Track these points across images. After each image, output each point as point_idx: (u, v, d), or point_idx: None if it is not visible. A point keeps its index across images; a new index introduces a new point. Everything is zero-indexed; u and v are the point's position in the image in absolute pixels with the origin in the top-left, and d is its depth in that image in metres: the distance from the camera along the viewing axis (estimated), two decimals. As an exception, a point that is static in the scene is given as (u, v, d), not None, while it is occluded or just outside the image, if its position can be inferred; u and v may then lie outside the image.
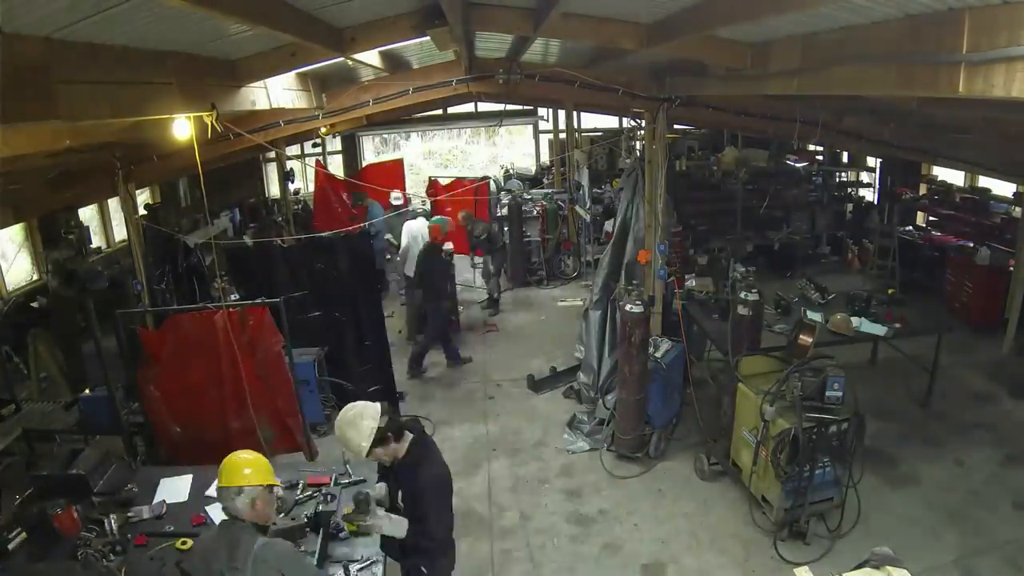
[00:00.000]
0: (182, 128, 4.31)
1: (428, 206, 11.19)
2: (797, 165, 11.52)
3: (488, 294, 10.22)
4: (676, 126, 12.16)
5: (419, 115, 14.13)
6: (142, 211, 8.66)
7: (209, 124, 4.20)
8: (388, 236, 10.52)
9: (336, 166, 15.69)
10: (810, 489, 4.65)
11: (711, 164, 11.90)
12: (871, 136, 7.55)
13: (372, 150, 19.06)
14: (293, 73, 5.42)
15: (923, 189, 11.08)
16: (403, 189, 11.47)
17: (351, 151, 16.31)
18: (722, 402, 5.66)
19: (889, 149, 8.17)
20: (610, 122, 15.18)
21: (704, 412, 6.11)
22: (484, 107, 14.30)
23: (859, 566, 3.46)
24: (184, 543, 3.47)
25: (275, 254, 6.93)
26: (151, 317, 6.08)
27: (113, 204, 10.09)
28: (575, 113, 12.59)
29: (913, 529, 5.00)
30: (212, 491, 3.98)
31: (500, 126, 16.99)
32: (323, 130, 10.37)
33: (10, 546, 3.42)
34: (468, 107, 14.40)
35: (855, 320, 6.44)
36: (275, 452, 5.05)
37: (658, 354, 6.06)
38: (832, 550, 4.76)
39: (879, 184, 12.11)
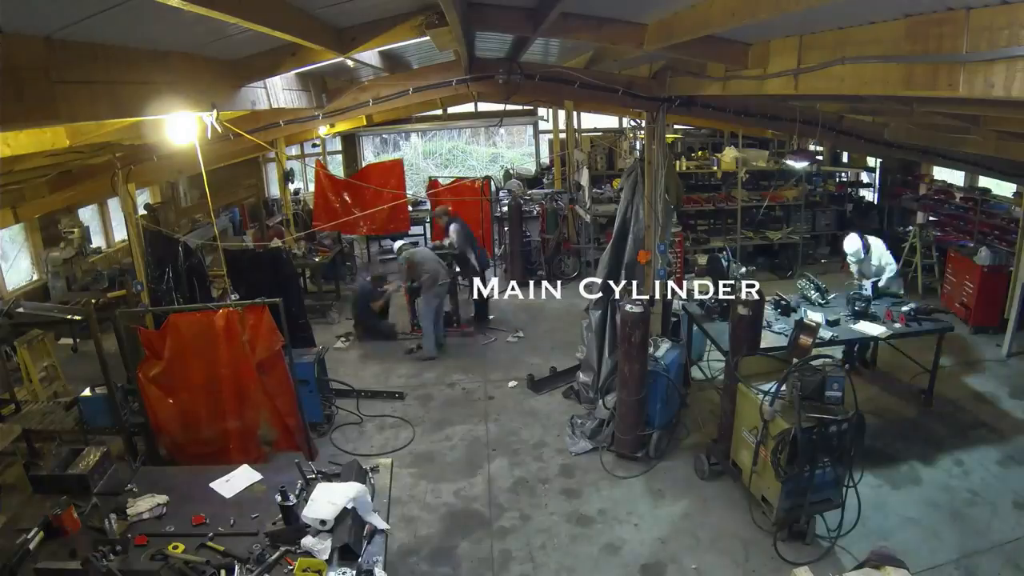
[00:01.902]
0: (182, 128, 4.31)
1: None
2: (797, 165, 11.51)
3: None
4: (676, 126, 12.17)
5: (419, 115, 14.12)
6: (142, 211, 8.67)
7: (209, 124, 4.20)
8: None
9: (336, 166, 15.69)
10: (810, 489, 4.65)
11: (711, 164, 11.91)
12: (871, 136, 7.57)
13: (372, 150, 19.06)
14: (293, 73, 5.42)
15: (923, 189, 11.08)
16: (403, 189, 11.43)
17: (351, 151, 16.31)
18: (722, 402, 5.67)
19: (889, 149, 8.17)
20: (610, 122, 15.17)
21: (704, 412, 6.12)
22: (484, 107, 14.27)
23: (859, 566, 3.47)
24: (175, 547, 3.45)
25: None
26: (151, 317, 6.09)
27: (113, 204, 10.11)
28: (575, 113, 12.60)
29: (913, 529, 5.00)
30: (211, 487, 4.00)
31: (500, 126, 16.99)
32: (324, 131, 10.38)
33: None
34: (468, 107, 14.38)
35: (858, 325, 6.43)
36: (275, 452, 5.07)
37: (658, 354, 6.07)
38: (832, 550, 4.76)
39: (879, 184, 12.13)
